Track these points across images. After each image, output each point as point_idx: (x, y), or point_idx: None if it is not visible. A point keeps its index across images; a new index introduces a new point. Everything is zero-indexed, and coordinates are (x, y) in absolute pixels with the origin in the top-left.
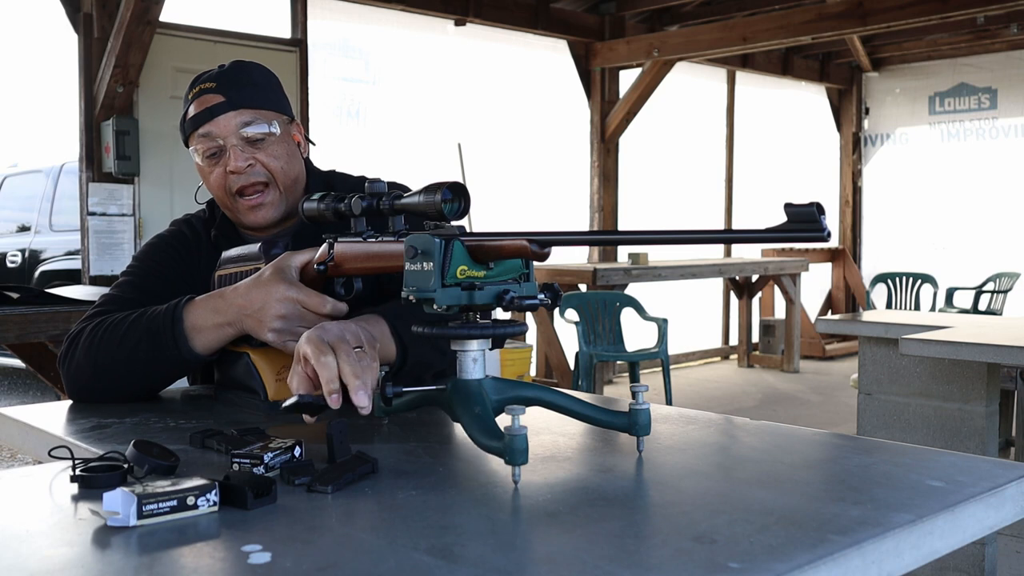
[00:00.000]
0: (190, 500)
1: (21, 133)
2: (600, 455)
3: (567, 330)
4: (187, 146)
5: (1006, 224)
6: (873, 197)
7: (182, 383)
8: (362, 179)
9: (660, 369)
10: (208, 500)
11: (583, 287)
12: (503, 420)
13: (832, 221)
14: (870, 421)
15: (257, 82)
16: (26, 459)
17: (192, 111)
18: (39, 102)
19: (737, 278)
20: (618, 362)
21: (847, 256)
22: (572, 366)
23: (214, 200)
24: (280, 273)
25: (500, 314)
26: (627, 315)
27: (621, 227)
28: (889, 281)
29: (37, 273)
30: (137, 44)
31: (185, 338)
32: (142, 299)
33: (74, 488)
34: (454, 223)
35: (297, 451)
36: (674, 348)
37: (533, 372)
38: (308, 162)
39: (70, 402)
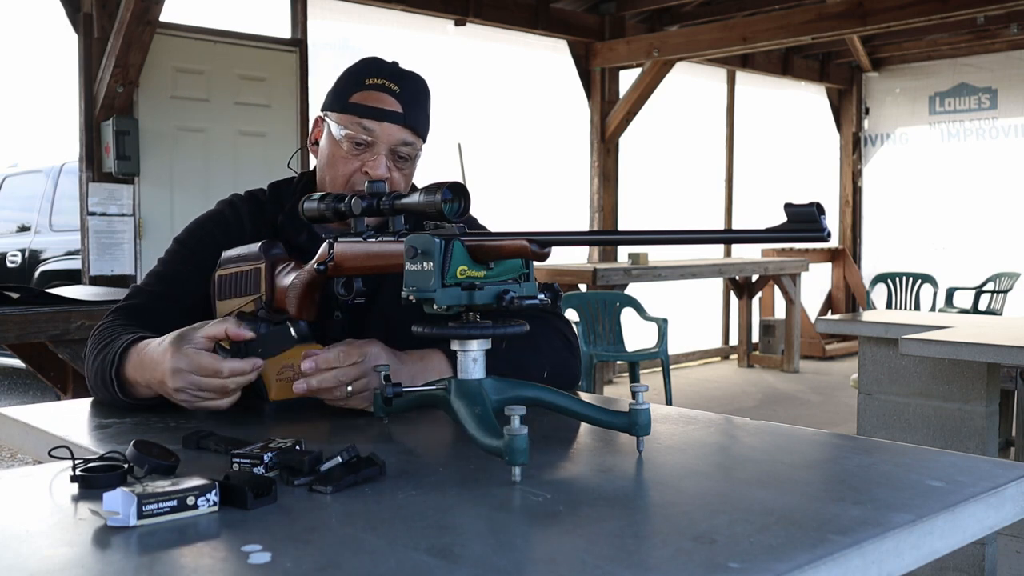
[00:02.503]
0: (190, 500)
1: (21, 133)
2: (600, 455)
3: None
4: (325, 110)
5: (1006, 224)
6: (873, 197)
7: None
8: None
9: (660, 369)
10: (208, 500)
11: (583, 287)
12: (503, 420)
13: (832, 221)
14: (870, 421)
15: (426, 108)
16: (26, 459)
17: (364, 99)
18: (39, 102)
19: (737, 278)
20: (618, 362)
21: (847, 256)
22: None
23: (281, 185)
24: (176, 343)
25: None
26: (627, 315)
27: (621, 227)
28: (889, 281)
29: (37, 273)
30: (137, 44)
31: (122, 383)
32: (166, 290)
33: (74, 488)
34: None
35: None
36: (674, 348)
37: None
38: None
39: (70, 402)
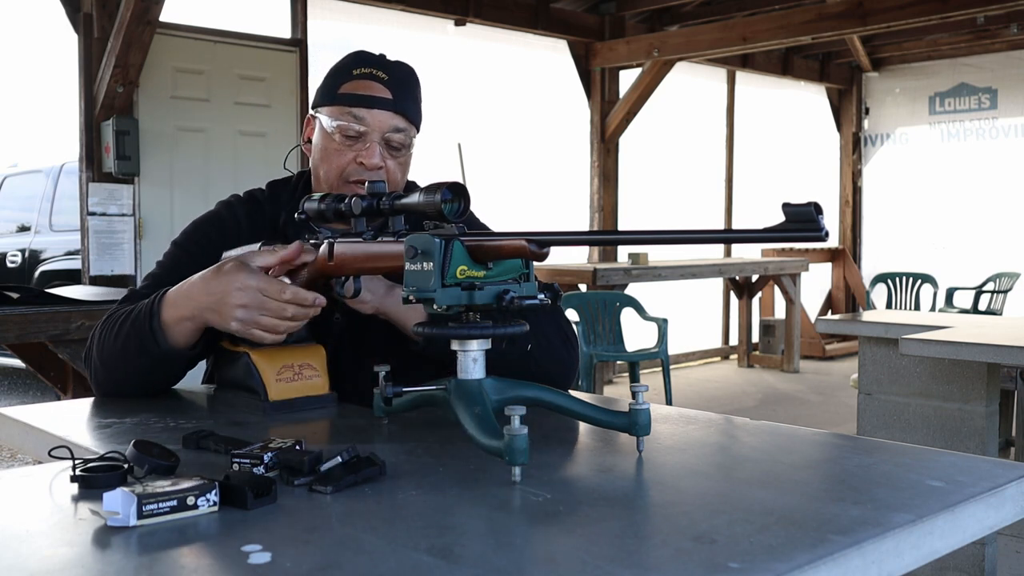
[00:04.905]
0: (190, 500)
1: (21, 133)
2: (600, 455)
3: None
4: (315, 107)
5: (1006, 224)
6: (873, 197)
7: (187, 383)
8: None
9: (660, 369)
10: (208, 500)
11: (583, 287)
12: (503, 420)
13: (832, 221)
14: (870, 421)
15: (416, 96)
16: (26, 459)
17: (353, 88)
18: (39, 102)
19: (737, 278)
20: (618, 362)
21: (847, 256)
22: None
23: (278, 184)
24: (240, 264)
25: None
26: (627, 315)
27: (621, 227)
28: (889, 281)
29: (37, 273)
30: (137, 44)
31: (163, 332)
32: None
33: (74, 488)
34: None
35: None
36: (674, 348)
37: None
38: None
39: (70, 402)
